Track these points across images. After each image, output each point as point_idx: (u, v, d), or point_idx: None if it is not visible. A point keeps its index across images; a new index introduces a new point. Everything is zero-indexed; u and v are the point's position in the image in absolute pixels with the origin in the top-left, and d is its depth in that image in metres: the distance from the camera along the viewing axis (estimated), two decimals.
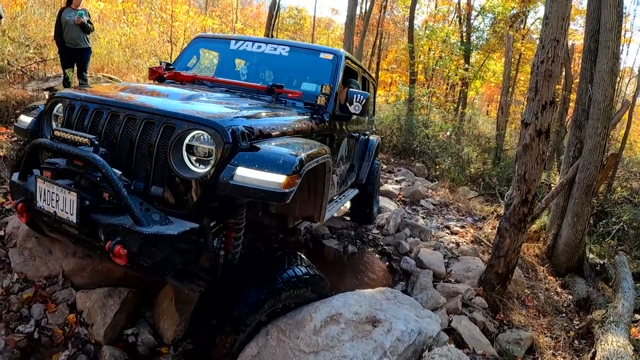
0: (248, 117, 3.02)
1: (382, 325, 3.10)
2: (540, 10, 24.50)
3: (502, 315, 5.06)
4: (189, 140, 2.71)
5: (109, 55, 11.54)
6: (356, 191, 5.94)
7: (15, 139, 5.90)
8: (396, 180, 10.83)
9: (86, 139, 2.66)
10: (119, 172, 2.67)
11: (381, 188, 8.68)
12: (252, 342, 3.00)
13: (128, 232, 2.50)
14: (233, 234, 3.04)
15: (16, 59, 8.89)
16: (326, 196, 3.47)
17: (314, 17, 33.51)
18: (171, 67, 4.43)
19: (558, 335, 5.20)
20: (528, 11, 23.24)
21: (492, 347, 4.43)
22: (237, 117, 2.93)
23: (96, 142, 2.65)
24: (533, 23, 25.79)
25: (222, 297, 2.95)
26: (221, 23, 24.61)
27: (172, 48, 13.16)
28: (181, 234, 2.59)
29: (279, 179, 2.56)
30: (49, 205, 2.77)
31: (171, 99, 3.20)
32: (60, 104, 3.31)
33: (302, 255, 3.29)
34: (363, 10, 25.91)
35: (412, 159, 14.38)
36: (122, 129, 2.87)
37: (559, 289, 6.69)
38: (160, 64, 4.44)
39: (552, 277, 6.97)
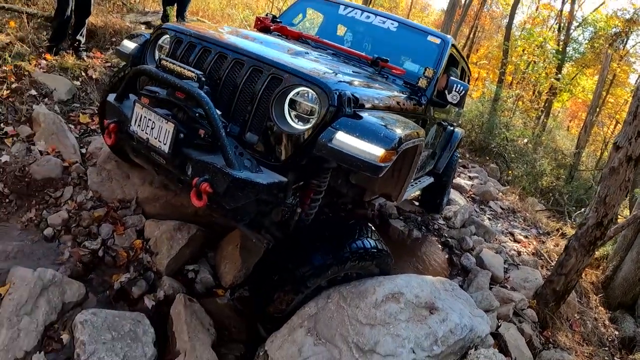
0: (353, 84, 2.98)
1: (438, 313, 3.08)
2: None
3: (550, 333, 4.94)
4: (293, 95, 2.69)
5: (206, 0, 11.67)
6: (431, 179, 5.83)
7: (108, 64, 6.08)
8: (469, 177, 10.57)
9: (193, 74, 2.69)
10: (219, 112, 2.67)
11: (454, 181, 8.55)
12: (311, 301, 3.05)
13: (218, 172, 2.50)
14: (312, 194, 3.05)
15: None
16: (410, 178, 3.41)
17: None
18: (277, 20, 4.44)
19: None
20: (631, 32, 22.00)
21: None
22: (343, 81, 2.89)
23: (203, 79, 2.68)
24: (633, 46, 24.53)
25: (289, 255, 2.98)
26: None
27: (271, 5, 13.14)
28: (269, 185, 2.59)
29: (378, 151, 2.50)
30: (142, 131, 2.78)
31: (280, 52, 3.19)
32: (166, 36, 3.34)
33: (373, 229, 3.26)
34: (464, 0, 25.36)
35: (487, 158, 13.98)
36: (227, 72, 2.88)
37: (607, 322, 6.47)
38: (267, 15, 4.45)
39: (602, 308, 6.74)
